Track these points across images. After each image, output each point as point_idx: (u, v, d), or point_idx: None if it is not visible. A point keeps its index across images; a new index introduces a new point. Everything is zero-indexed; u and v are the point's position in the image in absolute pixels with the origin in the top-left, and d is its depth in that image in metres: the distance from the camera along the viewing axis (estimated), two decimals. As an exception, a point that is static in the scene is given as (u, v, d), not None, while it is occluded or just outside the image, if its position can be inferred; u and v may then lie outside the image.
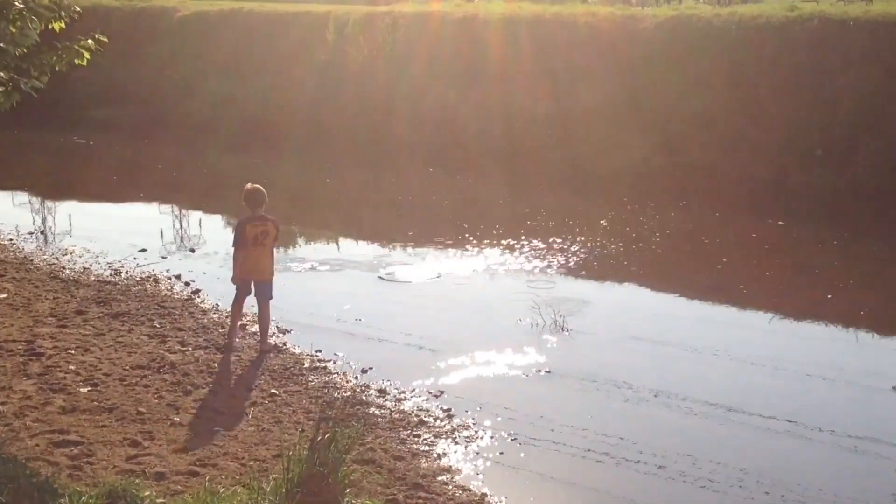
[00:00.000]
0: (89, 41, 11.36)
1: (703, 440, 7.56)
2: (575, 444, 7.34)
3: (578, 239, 14.23)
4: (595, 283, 12.28)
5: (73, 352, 8.87)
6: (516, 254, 13.36)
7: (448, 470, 6.86)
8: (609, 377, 8.72)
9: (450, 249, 13.62)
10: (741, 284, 12.02)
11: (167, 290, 11.29)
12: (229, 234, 15.24)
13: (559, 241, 14.09)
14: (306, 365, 8.94)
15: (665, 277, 12.60)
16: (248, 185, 9.39)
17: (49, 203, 17.07)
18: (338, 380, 8.60)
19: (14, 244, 13.52)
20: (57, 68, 11.49)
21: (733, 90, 18.94)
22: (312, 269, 12.63)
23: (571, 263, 13.03)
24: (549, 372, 8.89)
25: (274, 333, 9.82)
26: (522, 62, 21.80)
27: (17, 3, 10.41)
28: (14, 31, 10.31)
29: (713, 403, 8.16)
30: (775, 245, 14.09)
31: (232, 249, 9.34)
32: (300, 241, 14.92)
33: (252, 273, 9.26)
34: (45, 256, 12.82)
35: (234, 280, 9.32)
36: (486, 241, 14.00)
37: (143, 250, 13.07)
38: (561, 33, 21.69)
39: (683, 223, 15.58)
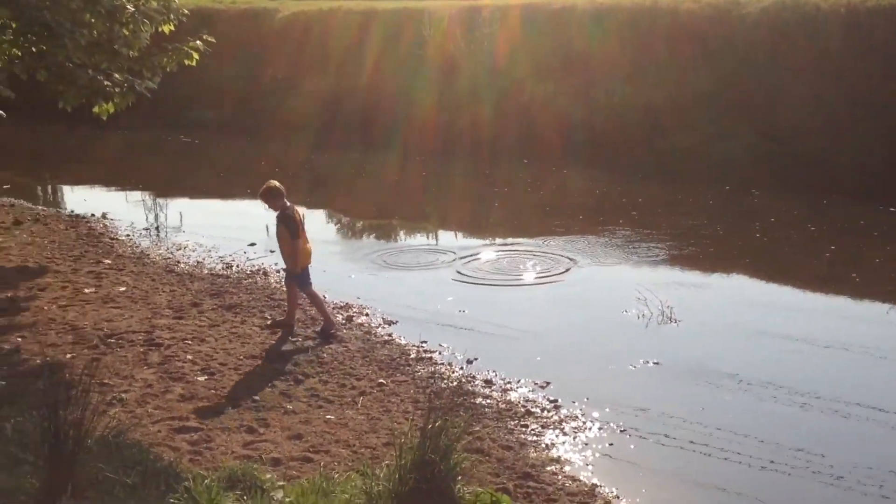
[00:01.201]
0: (198, 42, 11.78)
1: (816, 435, 7.33)
2: (685, 438, 7.23)
3: (682, 229, 13.99)
4: (701, 273, 12.04)
5: (189, 342, 9.18)
6: (619, 244, 13.21)
7: (557, 460, 6.85)
8: (719, 369, 8.56)
9: (549, 240, 13.55)
10: (853, 273, 11.62)
11: (276, 282, 11.55)
12: (333, 229, 15.62)
13: (662, 231, 13.89)
14: (412, 355, 9.04)
15: (773, 267, 12.27)
16: (271, 184, 9.58)
17: (161, 200, 17.68)
18: (444, 370, 8.68)
19: (131, 239, 14.06)
20: (168, 69, 11.95)
21: (842, 76, 18.29)
22: (414, 260, 12.75)
23: (676, 253, 12.82)
24: (657, 363, 8.77)
25: (380, 324, 9.98)
26: (622, 52, 21.51)
27: (129, 7, 10.85)
28: (127, 33, 10.76)
29: (827, 397, 7.92)
30: (886, 233, 13.58)
31: (292, 242, 9.49)
32: (401, 233, 15.08)
33: (308, 258, 9.62)
34: (160, 251, 13.30)
35: (297, 270, 9.54)
36: (586, 232, 13.89)
37: (253, 244, 13.41)
38: (662, 21, 21.32)
39: (789, 211, 15.15)
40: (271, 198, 9.54)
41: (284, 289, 10.03)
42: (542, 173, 19.25)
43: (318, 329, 9.65)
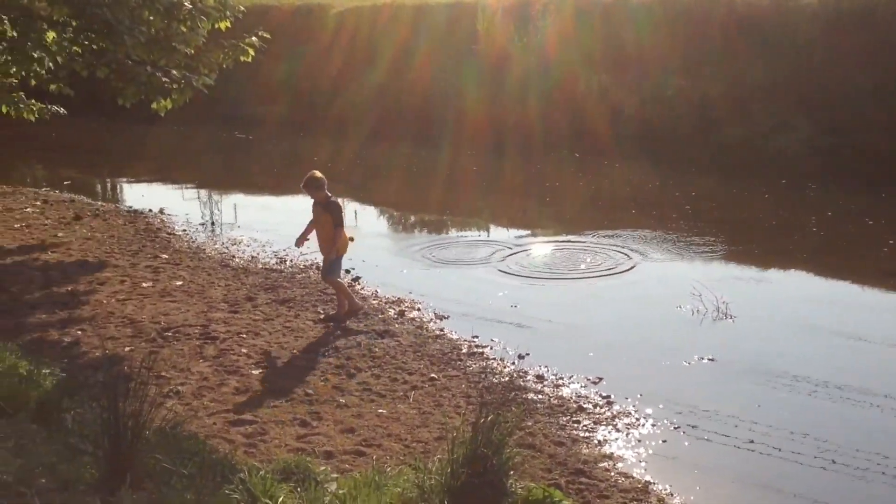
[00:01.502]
0: (253, 38, 11.93)
1: (876, 434, 7.15)
2: (741, 436, 7.12)
3: (736, 223, 13.80)
4: (757, 268, 11.86)
5: (244, 336, 9.30)
6: (672, 239, 13.08)
7: (609, 457, 6.81)
8: (776, 366, 8.42)
9: (601, 235, 13.46)
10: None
11: (329, 277, 11.63)
12: (385, 223, 15.70)
13: (716, 225, 13.71)
14: (464, 350, 9.05)
15: (831, 262, 12.06)
16: (315, 174, 9.77)
17: (216, 195, 17.92)
18: (496, 365, 8.66)
19: (187, 234, 14.28)
20: (224, 65, 12.12)
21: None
22: (466, 255, 12.76)
23: (730, 248, 12.66)
24: (712, 360, 8.66)
25: (431, 319, 10.01)
26: (676, 44, 21.27)
27: (186, 4, 11.01)
28: (184, 30, 10.93)
29: (887, 395, 7.75)
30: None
31: (336, 230, 9.75)
32: (453, 228, 15.10)
33: (345, 248, 9.93)
34: (215, 246, 13.48)
35: (333, 254, 9.81)
36: (638, 226, 13.77)
37: (307, 239, 13.48)
38: (718, 12, 21.03)
39: (846, 205, 14.86)
40: (315, 188, 9.74)
41: (343, 289, 10.11)
42: (593, 167, 19.14)
43: (332, 313, 9.93)
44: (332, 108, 25.28)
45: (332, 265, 9.89)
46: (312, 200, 9.90)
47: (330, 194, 9.84)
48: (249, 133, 25.05)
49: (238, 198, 17.51)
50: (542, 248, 13.10)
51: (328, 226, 9.73)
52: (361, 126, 23.70)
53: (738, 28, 20.55)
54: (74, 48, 12.00)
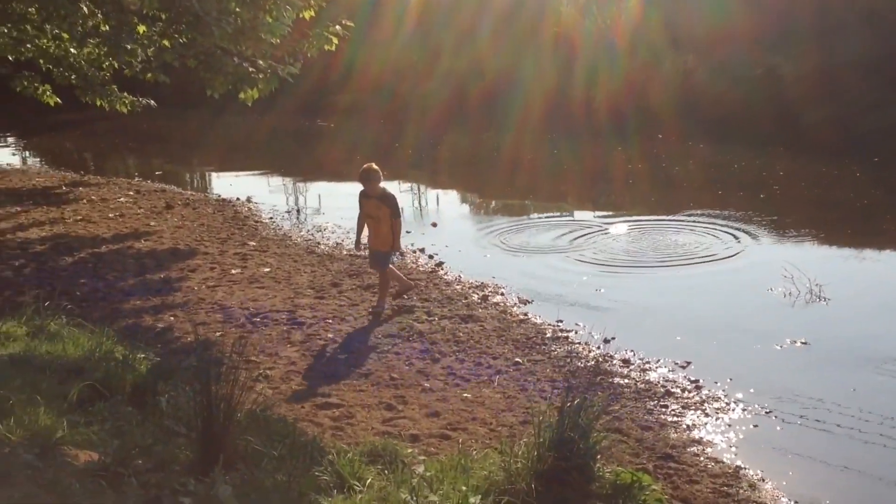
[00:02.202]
0: (337, 27, 12.02)
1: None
2: (834, 421, 6.91)
3: (827, 203, 13.40)
4: (851, 249, 11.51)
5: (330, 321, 9.43)
6: (760, 220, 12.76)
7: (698, 441, 6.68)
8: (871, 350, 8.15)
9: (686, 217, 13.22)
10: None
11: (412, 262, 11.71)
12: (466, 210, 15.71)
13: (806, 205, 13.34)
14: (548, 335, 8.99)
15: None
16: (371, 166, 9.54)
17: (301, 183, 18.18)
18: (580, 349, 8.59)
19: (274, 222, 14.54)
20: (308, 54, 12.25)
21: None
22: (549, 239, 12.68)
23: (823, 229, 12.29)
24: (805, 343, 8.43)
25: (515, 304, 9.98)
26: (766, 20, 20.69)
27: (271, -6, 11.14)
28: (270, 20, 11.07)
29: None
30: None
31: (394, 221, 9.55)
32: (535, 212, 15.02)
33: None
34: (301, 233, 13.69)
35: (398, 247, 9.79)
36: (725, 207, 13.48)
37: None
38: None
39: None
40: (374, 180, 9.50)
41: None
42: (677, 148, 18.80)
43: (374, 307, 9.75)
44: (414, 96, 25.36)
45: (388, 257, 9.79)
46: (361, 196, 9.69)
47: (384, 186, 9.69)
48: (330, 121, 25.30)
49: (322, 185, 17.73)
50: (624, 230, 12.92)
51: (386, 218, 9.58)
52: (440, 112, 23.72)
53: (832, 2, 19.87)
54: (164, 42, 12.29)
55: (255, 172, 19.67)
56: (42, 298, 8.54)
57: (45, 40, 15.26)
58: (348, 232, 13.49)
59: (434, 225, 13.83)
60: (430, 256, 12.00)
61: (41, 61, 15.67)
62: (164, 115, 21.46)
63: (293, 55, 11.77)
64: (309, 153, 22.33)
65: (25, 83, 16.79)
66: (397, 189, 17.10)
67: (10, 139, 27.59)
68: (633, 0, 23.00)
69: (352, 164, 20.16)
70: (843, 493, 5.99)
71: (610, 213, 14.35)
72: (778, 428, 6.90)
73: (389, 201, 9.59)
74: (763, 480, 6.10)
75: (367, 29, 26.49)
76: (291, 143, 23.87)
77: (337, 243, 12.92)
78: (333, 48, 12.15)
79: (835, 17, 19.59)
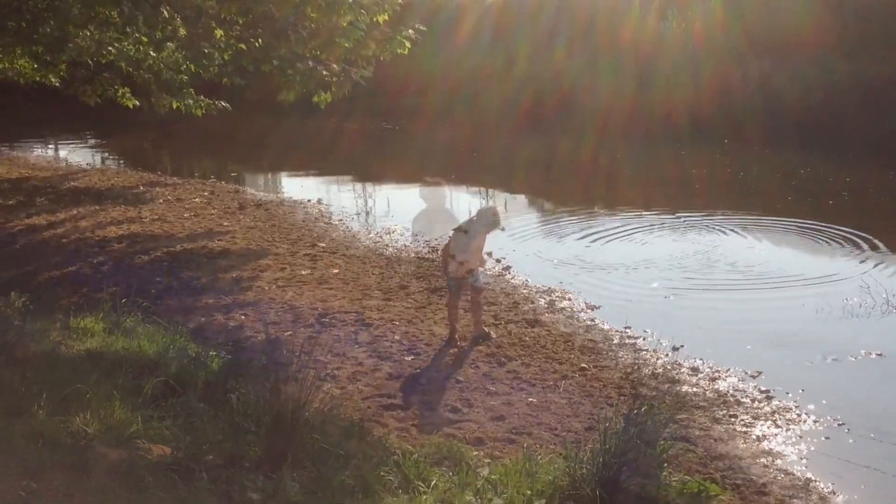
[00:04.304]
0: (410, 31, 12.10)
1: None
2: (910, 435, 6.73)
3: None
4: (932, 261, 11.17)
5: (397, 323, 9.49)
6: (833, 229, 12.48)
7: (768, 452, 6.57)
8: (951, 363, 7.92)
9: (763, 223, 12.99)
10: None
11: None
12: (533, 214, 15.66)
13: (881, 214, 13.00)
14: (615, 341, 8.92)
15: None
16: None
17: (370, 186, 18.34)
18: (648, 356, 8.50)
19: (343, 224, 14.70)
20: (381, 58, 12.36)
21: None
22: (615, 246, 12.59)
23: (902, 239, 11.98)
24: (880, 355, 8.22)
25: (582, 309, 9.94)
26: (842, 26, 20.20)
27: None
28: (345, 25, 11.21)
29: None
30: None
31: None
32: (604, 218, 14.89)
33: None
34: (370, 235, 13.82)
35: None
36: (794, 216, 13.21)
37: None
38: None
39: None
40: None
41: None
42: (748, 155, 18.48)
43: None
44: (479, 99, 25.36)
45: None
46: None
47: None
48: (396, 124, 25.46)
49: (390, 188, 17.86)
50: (696, 236, 12.76)
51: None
52: (506, 117, 23.68)
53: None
54: (240, 46, 12.53)
55: (326, 174, 19.90)
56: (119, 296, 8.78)
57: (125, 43, 15.67)
58: (416, 234, 13.56)
59: (502, 229, 13.78)
60: (498, 260, 12.00)
61: (122, 64, 16.09)
62: (238, 118, 21.85)
63: (366, 59, 11.89)
64: (378, 155, 22.50)
65: (105, 86, 17.31)
66: (465, 191, 17.17)
67: (90, 140, 28.40)
68: (712, 3, 22.63)
69: (420, 167, 20.33)
70: (918, 510, 5.83)
71: (677, 213, 14.15)
72: (850, 441, 6.74)
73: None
74: (834, 493, 5.98)
75: (445, 35, 26.57)
76: (361, 145, 24.08)
77: (405, 245, 13.01)
78: (406, 52, 12.24)
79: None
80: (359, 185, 18.57)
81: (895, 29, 19.35)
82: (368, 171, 20.05)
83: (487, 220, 8.97)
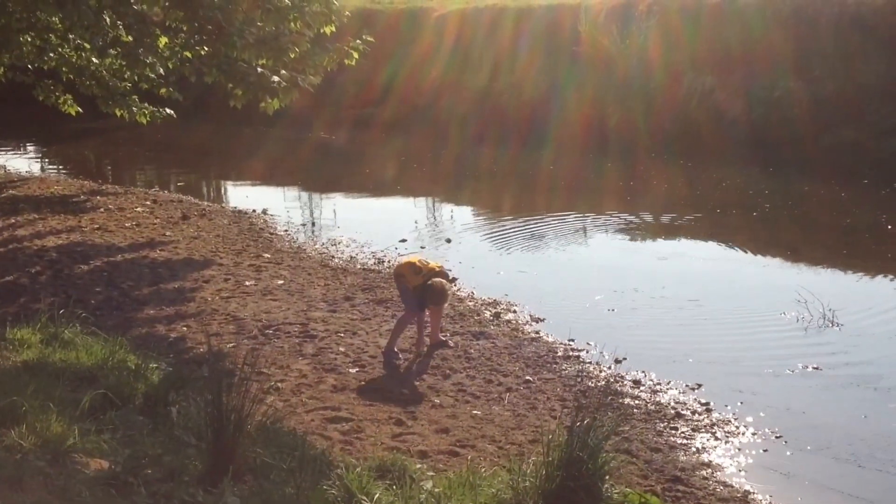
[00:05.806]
0: (357, 42, 12.11)
1: None
2: (846, 448, 6.88)
3: (845, 227, 13.33)
4: (866, 275, 11.45)
5: (342, 334, 9.45)
6: (777, 243, 12.74)
7: (708, 465, 6.67)
8: (884, 376, 8.13)
9: (708, 240, 13.20)
10: None
11: (425, 278, 11.71)
12: (483, 224, 15.72)
13: (824, 230, 13.28)
14: (559, 353, 8.99)
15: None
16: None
17: (317, 196, 18.23)
18: (591, 369, 8.59)
19: (289, 234, 14.60)
20: (329, 68, 12.35)
21: None
22: (564, 258, 12.69)
23: (839, 254, 12.25)
24: (817, 368, 8.40)
25: (527, 321, 9.99)
26: (785, 44, 20.63)
27: (296, 2, 11.25)
28: (294, 29, 11.18)
29: None
30: None
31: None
32: (552, 230, 14.99)
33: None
34: (316, 246, 13.74)
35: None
36: (740, 231, 13.45)
37: (404, 240, 13.65)
38: (829, 11, 20.36)
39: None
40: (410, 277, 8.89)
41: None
42: (697, 170, 18.77)
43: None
44: (434, 111, 25.37)
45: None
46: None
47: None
48: (331, 133, 25.46)
49: (338, 199, 17.78)
50: (641, 249, 12.91)
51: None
52: (463, 129, 23.74)
53: (850, 27, 19.85)
54: (185, 53, 12.41)
55: (272, 184, 19.74)
56: (57, 306, 8.62)
57: (67, 49, 15.45)
58: (362, 246, 13.53)
59: (449, 241, 13.84)
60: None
61: (64, 70, 15.85)
62: (181, 127, 21.59)
63: (314, 68, 11.87)
64: (325, 166, 22.37)
65: (47, 92, 17.05)
66: (413, 204, 17.17)
67: (31, 147, 27.83)
68: (653, 20, 22.95)
69: (368, 177, 20.27)
70: (853, 521, 5.96)
71: (622, 231, 14.32)
72: (788, 453, 6.88)
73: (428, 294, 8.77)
74: (772, 506, 6.09)
75: (391, 44, 26.50)
76: (309, 156, 23.91)
77: (351, 257, 12.96)
78: (353, 63, 12.26)
79: (853, 42, 19.55)
80: (305, 196, 18.45)
81: (842, 45, 19.80)
82: (315, 181, 19.92)
83: (437, 298, 8.82)
